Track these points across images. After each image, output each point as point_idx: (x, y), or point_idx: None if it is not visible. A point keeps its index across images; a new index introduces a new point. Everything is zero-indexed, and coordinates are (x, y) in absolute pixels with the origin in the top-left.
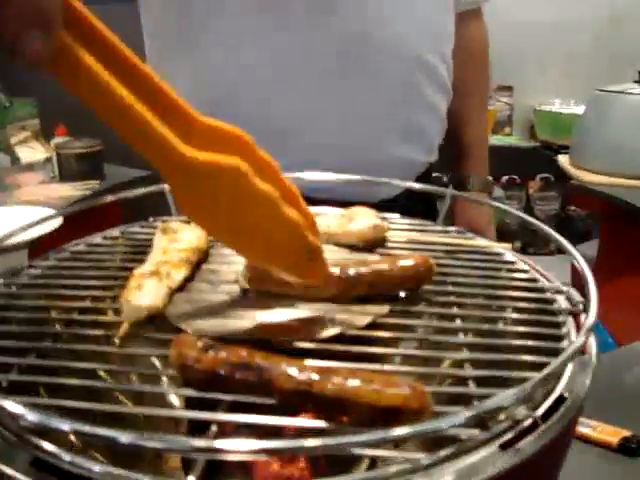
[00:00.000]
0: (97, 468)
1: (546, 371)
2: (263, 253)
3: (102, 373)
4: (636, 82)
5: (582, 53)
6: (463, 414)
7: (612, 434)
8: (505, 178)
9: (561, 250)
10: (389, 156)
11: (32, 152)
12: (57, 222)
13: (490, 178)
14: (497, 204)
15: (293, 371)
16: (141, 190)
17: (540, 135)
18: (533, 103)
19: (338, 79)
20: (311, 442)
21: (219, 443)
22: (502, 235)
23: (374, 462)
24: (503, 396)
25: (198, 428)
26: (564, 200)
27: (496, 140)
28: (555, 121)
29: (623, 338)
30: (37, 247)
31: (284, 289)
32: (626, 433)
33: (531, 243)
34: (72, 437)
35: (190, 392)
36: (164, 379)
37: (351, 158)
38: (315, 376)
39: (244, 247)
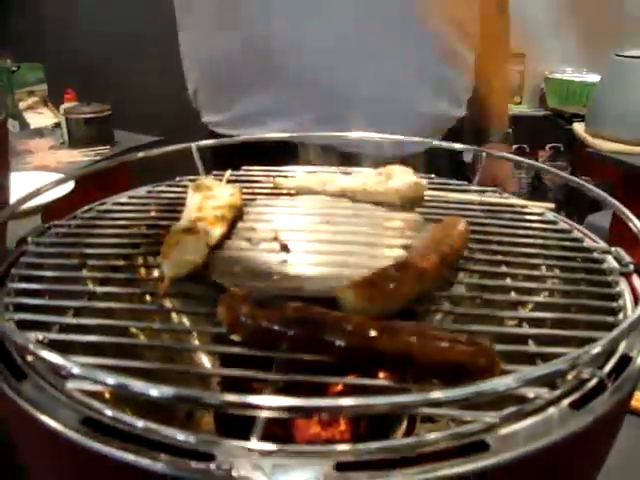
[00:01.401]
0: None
1: (619, 330)
2: None
3: (134, 330)
4: None
5: (595, 20)
6: (535, 372)
7: None
8: (514, 147)
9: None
10: (420, 110)
11: (41, 117)
12: (69, 186)
13: (510, 130)
14: (542, 165)
15: (354, 327)
16: (169, 148)
17: (551, 103)
18: (544, 71)
19: (378, 34)
20: (353, 401)
21: (255, 399)
22: None
23: (414, 423)
24: (576, 354)
25: (232, 387)
26: (574, 169)
27: None
28: (566, 89)
29: None
30: (48, 214)
31: None
32: None
33: None
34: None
35: (242, 350)
36: (203, 338)
37: (384, 112)
38: (376, 332)
39: None
